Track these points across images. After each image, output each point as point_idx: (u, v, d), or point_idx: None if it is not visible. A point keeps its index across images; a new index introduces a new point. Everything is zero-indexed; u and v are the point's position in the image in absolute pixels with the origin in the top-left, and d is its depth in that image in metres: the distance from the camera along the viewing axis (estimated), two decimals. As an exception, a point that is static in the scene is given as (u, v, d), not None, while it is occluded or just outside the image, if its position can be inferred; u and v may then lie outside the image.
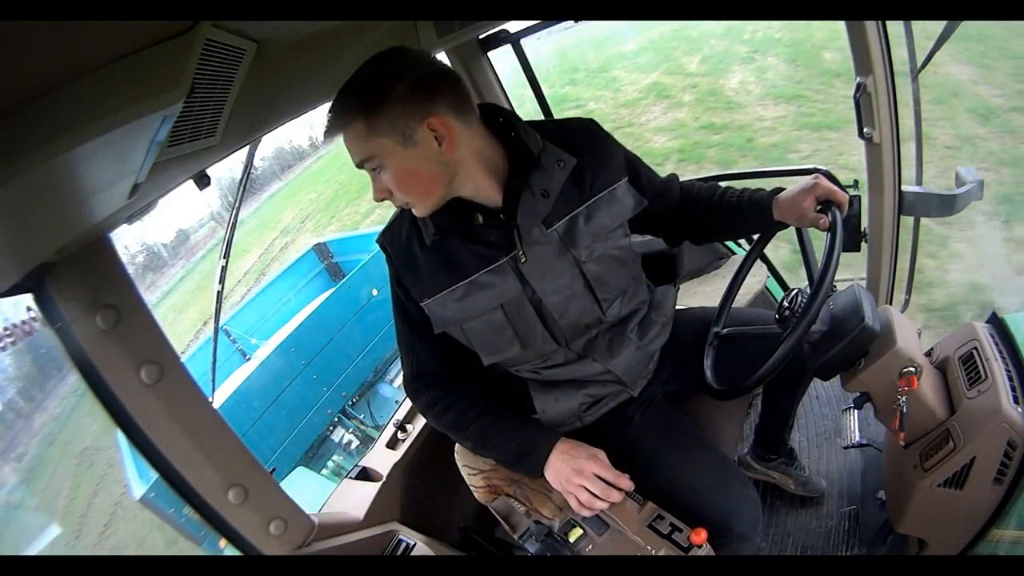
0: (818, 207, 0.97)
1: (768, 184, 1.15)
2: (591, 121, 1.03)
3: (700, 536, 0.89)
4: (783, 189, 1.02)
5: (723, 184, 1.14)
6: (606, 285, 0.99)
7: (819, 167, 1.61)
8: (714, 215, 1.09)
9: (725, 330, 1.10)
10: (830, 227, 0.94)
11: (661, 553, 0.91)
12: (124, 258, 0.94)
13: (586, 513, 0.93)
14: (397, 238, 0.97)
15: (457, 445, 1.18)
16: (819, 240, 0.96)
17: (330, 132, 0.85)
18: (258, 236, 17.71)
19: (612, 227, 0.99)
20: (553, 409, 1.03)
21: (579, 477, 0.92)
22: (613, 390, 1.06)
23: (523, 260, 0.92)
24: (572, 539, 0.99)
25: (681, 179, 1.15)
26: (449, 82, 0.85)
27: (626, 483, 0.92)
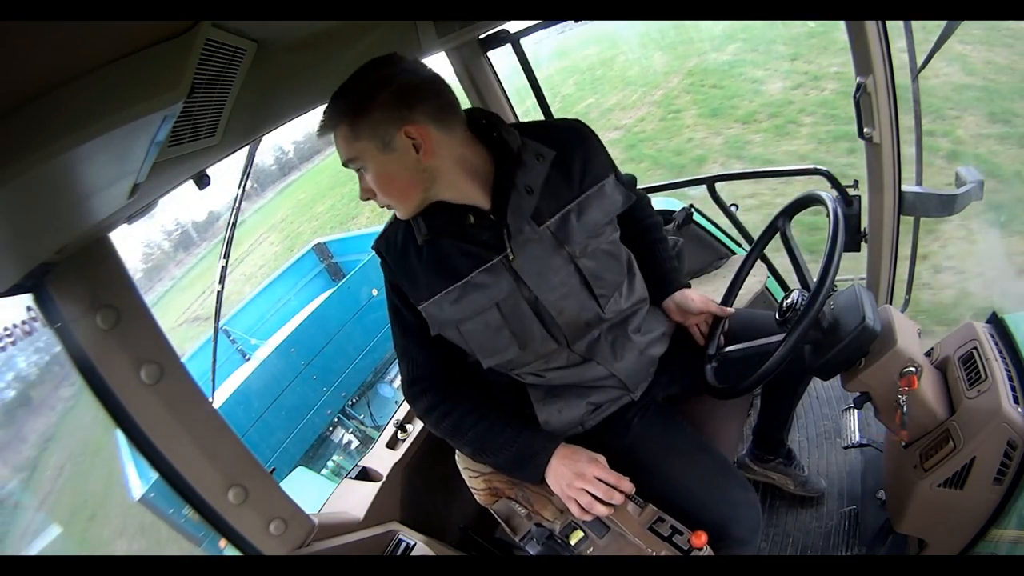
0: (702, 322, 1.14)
1: (769, 183, 1.15)
2: (578, 121, 1.04)
3: (700, 539, 0.89)
4: (688, 286, 1.14)
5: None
6: (602, 280, 0.99)
7: (820, 167, 1.62)
8: (639, 249, 1.13)
9: (724, 350, 1.08)
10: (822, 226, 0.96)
11: (662, 555, 0.91)
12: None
13: (587, 518, 0.93)
14: (393, 243, 0.98)
15: None
16: (818, 239, 0.96)
17: (322, 131, 0.89)
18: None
19: (604, 222, 0.99)
20: (557, 420, 1.03)
21: (580, 481, 0.92)
22: (615, 395, 1.06)
23: (512, 258, 0.93)
24: (573, 542, 0.99)
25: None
26: (432, 91, 0.87)
27: (627, 485, 0.92)
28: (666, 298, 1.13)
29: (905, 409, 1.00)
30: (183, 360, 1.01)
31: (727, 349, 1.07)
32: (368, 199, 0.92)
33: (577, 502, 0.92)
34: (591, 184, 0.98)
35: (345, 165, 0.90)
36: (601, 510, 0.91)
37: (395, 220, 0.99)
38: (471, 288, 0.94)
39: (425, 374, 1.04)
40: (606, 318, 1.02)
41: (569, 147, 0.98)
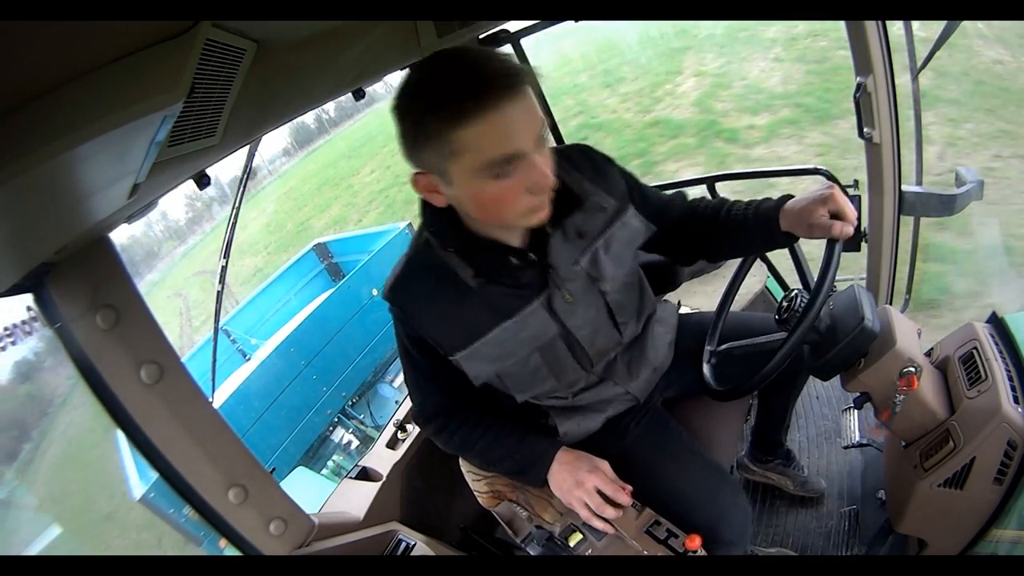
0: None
1: (770, 184, 1.15)
2: (588, 147, 1.00)
3: (694, 542, 0.90)
4: (791, 197, 0.94)
5: (732, 198, 1.08)
6: (624, 309, 1.01)
7: (819, 167, 1.62)
8: (720, 230, 1.02)
9: (721, 347, 1.09)
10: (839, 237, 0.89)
11: (658, 556, 0.91)
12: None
13: (595, 523, 0.93)
14: (412, 294, 0.90)
15: None
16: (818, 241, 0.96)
17: (516, 87, 0.69)
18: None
19: (627, 254, 0.98)
20: (575, 431, 1.04)
21: (579, 489, 0.92)
22: (627, 407, 1.07)
23: (568, 299, 0.90)
24: (572, 543, 1.00)
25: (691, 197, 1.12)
26: None
27: (624, 498, 0.91)
28: (778, 227, 0.93)
29: (898, 410, 1.00)
30: (183, 360, 1.01)
31: (725, 346, 1.08)
32: (547, 191, 0.77)
33: (585, 505, 0.92)
34: (616, 219, 0.95)
35: (536, 139, 0.73)
36: (598, 524, 0.91)
37: (407, 268, 0.90)
38: (510, 333, 0.90)
39: (437, 405, 1.03)
40: (624, 341, 1.04)
41: (589, 179, 0.94)
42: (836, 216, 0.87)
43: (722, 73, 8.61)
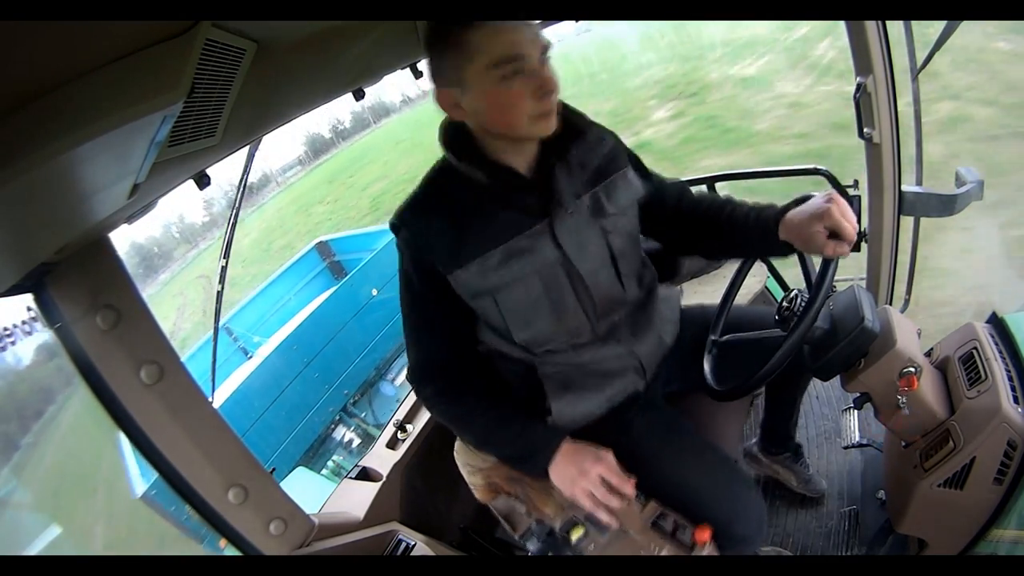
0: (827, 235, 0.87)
1: (768, 183, 1.15)
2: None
3: (704, 534, 0.88)
4: (795, 205, 0.93)
5: (734, 197, 1.10)
6: (626, 259, 1.02)
7: (820, 167, 1.62)
8: (720, 229, 1.02)
9: (724, 337, 1.10)
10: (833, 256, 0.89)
11: (664, 552, 0.91)
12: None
13: (602, 516, 0.91)
14: (417, 217, 0.95)
15: (457, 443, 1.18)
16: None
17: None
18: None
19: (627, 206, 1.02)
20: (570, 412, 1.01)
21: (583, 479, 0.90)
22: (630, 383, 1.04)
23: (568, 219, 0.94)
24: (574, 538, 0.98)
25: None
26: None
27: (629, 490, 0.90)
28: (776, 235, 0.93)
29: (907, 412, 1.00)
30: (183, 359, 1.01)
31: (725, 338, 1.08)
32: (552, 92, 0.86)
33: (589, 495, 0.90)
34: (615, 170, 1.01)
35: (544, 51, 0.85)
36: (602, 516, 0.89)
37: (421, 189, 0.96)
38: (514, 252, 0.92)
39: (436, 360, 1.01)
40: (628, 299, 1.04)
41: (600, 134, 1.03)
42: (833, 231, 0.86)
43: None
